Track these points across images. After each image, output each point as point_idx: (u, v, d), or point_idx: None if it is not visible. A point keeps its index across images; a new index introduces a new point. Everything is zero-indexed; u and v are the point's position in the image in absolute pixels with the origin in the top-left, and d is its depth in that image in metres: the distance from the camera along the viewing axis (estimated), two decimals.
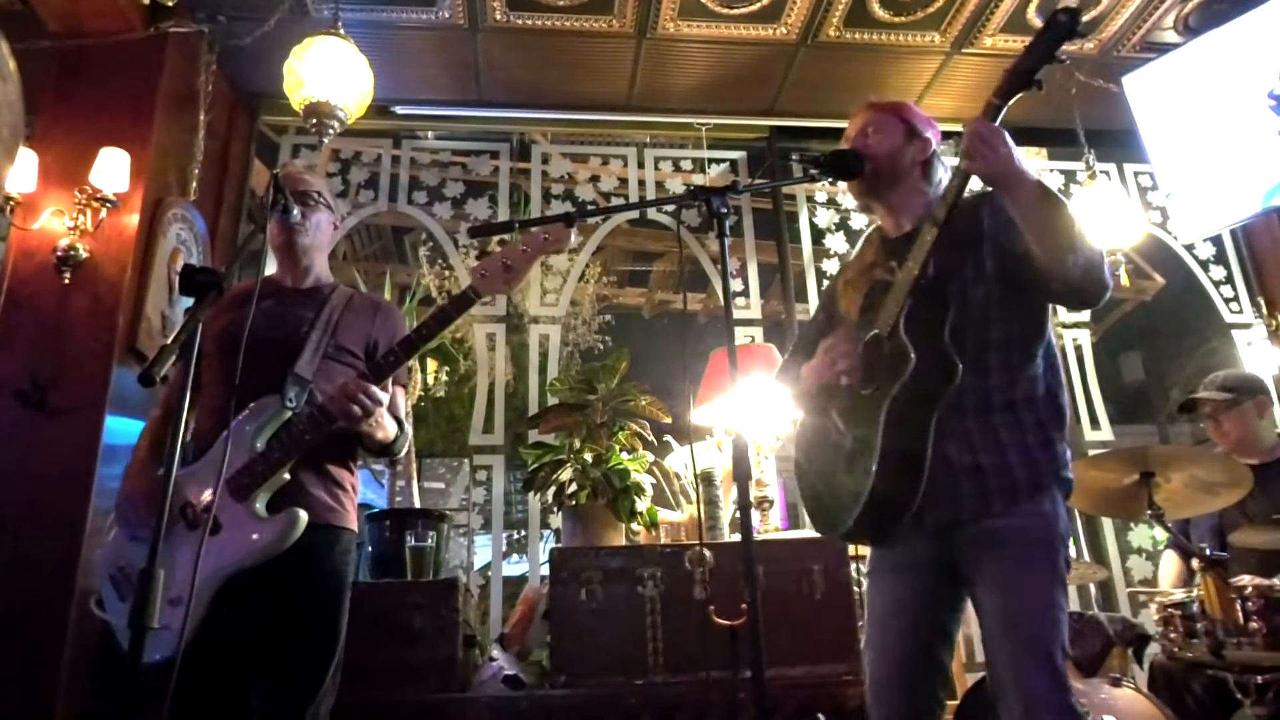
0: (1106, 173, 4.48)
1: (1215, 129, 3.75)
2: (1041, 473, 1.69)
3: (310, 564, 1.91)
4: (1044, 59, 1.62)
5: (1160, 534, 3.55)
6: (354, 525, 2.06)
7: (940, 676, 1.77)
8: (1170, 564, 3.15)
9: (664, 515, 3.15)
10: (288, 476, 1.92)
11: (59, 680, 2.60)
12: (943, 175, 1.91)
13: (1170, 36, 4.00)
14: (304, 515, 1.87)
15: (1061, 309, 4.23)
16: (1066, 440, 1.75)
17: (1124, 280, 4.16)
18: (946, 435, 1.68)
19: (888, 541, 1.80)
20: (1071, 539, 1.75)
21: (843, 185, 2.00)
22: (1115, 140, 4.34)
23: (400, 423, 2.10)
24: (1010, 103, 1.66)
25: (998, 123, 1.64)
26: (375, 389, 1.89)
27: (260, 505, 1.88)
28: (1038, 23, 3.78)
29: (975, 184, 1.70)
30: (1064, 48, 1.62)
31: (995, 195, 1.75)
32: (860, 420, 1.74)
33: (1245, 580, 2.49)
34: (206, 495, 1.86)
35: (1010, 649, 1.60)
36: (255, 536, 1.85)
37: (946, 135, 2.04)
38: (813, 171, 1.92)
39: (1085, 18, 3.81)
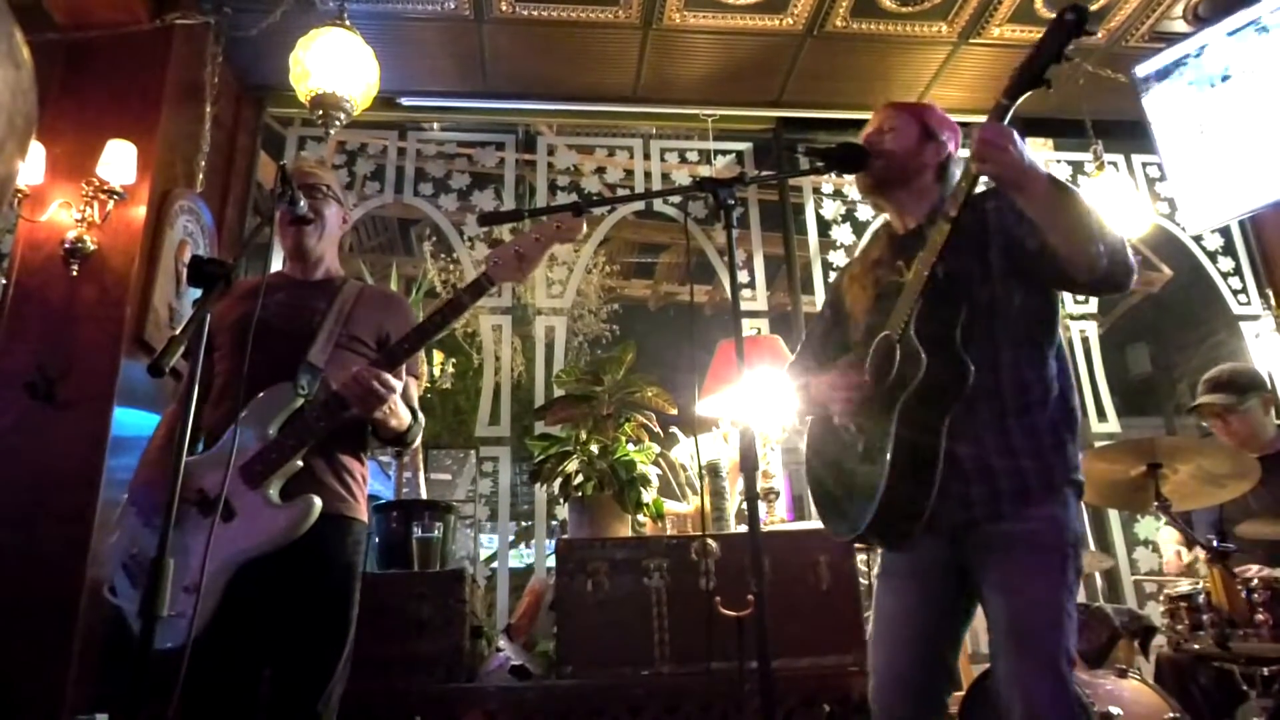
0: (1114, 163, 4.46)
1: (1224, 119, 3.73)
2: (1054, 475, 1.68)
3: (322, 555, 1.92)
4: (1053, 58, 1.60)
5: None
6: (364, 516, 2.07)
7: (946, 681, 1.76)
8: (1170, 541, 3.14)
9: (670, 507, 3.16)
10: (301, 464, 1.93)
11: (69, 669, 2.61)
12: (958, 177, 1.90)
13: (1179, 26, 3.98)
14: (318, 502, 1.88)
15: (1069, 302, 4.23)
16: (1078, 442, 1.74)
17: None
18: (959, 436, 1.66)
19: (901, 544, 1.77)
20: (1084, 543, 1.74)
21: (849, 177, 1.99)
22: (1123, 131, 4.32)
23: (414, 412, 2.10)
24: (1019, 102, 1.65)
25: (1006, 122, 1.63)
26: (388, 375, 1.90)
27: (274, 492, 1.89)
28: (1046, 13, 3.76)
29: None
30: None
31: (1000, 192, 1.73)
32: (872, 422, 1.73)
33: (1252, 571, 2.49)
34: (219, 482, 1.87)
35: (1015, 656, 1.58)
36: (270, 523, 1.86)
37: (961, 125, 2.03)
38: (818, 164, 1.92)
39: (1094, 7, 3.80)
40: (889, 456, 1.65)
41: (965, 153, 1.74)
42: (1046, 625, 1.57)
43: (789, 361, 2.11)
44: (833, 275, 3.79)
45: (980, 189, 1.73)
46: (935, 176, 1.89)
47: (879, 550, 1.89)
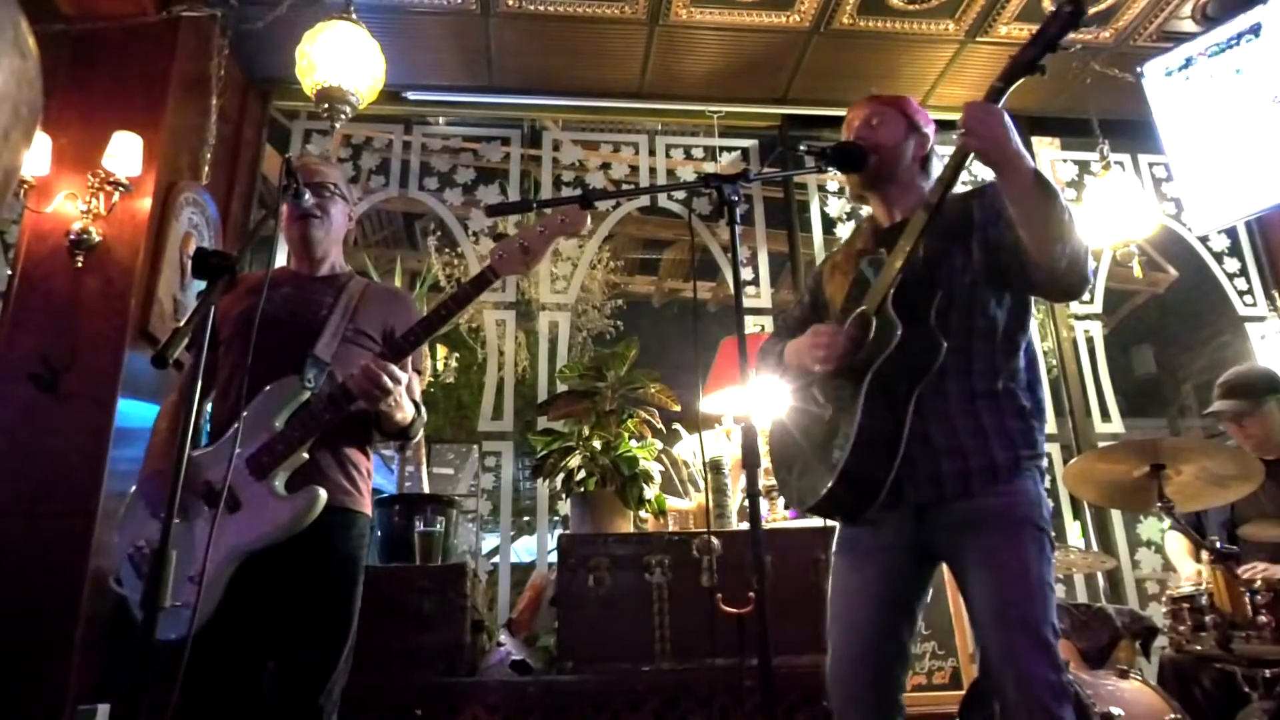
0: (1121, 163, 4.44)
1: (1232, 120, 3.72)
2: (1021, 455, 1.71)
3: (325, 548, 1.93)
4: (1047, 48, 1.64)
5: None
6: (368, 509, 2.07)
7: (902, 658, 1.77)
8: (1177, 542, 3.08)
9: (672, 503, 3.16)
10: (306, 456, 1.93)
11: (72, 658, 2.62)
12: (938, 169, 1.92)
13: (1188, 25, 3.96)
14: (324, 494, 1.89)
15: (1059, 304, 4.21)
16: (1044, 433, 1.78)
17: (1137, 273, 4.13)
18: (928, 416, 1.70)
19: (861, 519, 1.79)
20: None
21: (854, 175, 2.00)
22: (1130, 130, 4.30)
23: (417, 406, 2.11)
24: (1012, 87, 1.68)
25: (1000, 105, 1.66)
26: (395, 369, 1.90)
27: (279, 484, 1.90)
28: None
29: (967, 180, 1.69)
30: (1080, 36, 1.62)
31: (987, 189, 1.79)
32: (842, 392, 1.75)
33: (1256, 569, 2.49)
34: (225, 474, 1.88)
35: (1000, 630, 1.60)
36: (275, 514, 1.86)
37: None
38: (820, 163, 1.92)
39: (1101, 6, 3.78)
40: (855, 427, 1.67)
41: (947, 149, 1.76)
42: (1028, 599, 1.59)
43: (761, 345, 2.09)
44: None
45: (964, 186, 1.75)
46: (919, 169, 1.93)
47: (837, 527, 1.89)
